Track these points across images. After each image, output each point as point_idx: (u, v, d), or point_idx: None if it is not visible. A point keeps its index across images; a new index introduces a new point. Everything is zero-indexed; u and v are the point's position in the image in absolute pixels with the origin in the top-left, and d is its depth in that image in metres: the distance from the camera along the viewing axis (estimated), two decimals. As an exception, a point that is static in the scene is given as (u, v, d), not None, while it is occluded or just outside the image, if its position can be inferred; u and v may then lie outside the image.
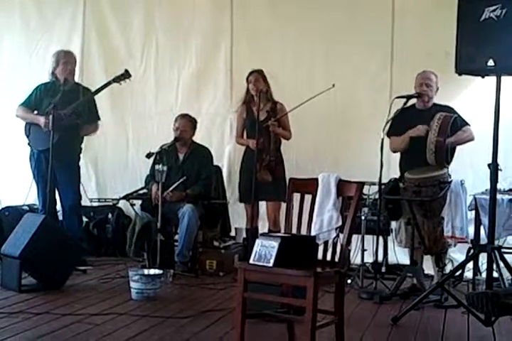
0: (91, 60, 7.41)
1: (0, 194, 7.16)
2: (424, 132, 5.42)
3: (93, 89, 6.24)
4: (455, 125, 5.45)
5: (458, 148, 5.61)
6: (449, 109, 5.59)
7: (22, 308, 4.67)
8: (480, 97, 6.09)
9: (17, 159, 7.14)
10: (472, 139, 5.64)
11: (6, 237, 5.61)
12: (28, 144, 6.29)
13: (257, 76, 6.27)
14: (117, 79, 6.13)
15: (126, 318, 4.54)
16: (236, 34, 7.19)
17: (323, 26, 6.87)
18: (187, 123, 6.42)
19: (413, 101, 5.69)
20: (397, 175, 5.60)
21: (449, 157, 5.45)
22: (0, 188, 7.20)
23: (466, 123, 5.61)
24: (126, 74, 6.14)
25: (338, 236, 4.02)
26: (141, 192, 6.48)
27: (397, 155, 5.82)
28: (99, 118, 6.36)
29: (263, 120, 6.16)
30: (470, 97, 6.30)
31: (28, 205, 7.14)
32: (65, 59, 6.17)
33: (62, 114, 5.94)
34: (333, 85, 5.80)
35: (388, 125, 5.57)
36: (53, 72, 6.21)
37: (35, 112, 6.17)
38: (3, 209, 7.13)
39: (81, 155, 6.42)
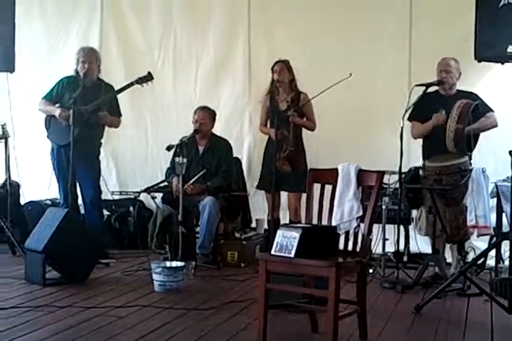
0: (109, 53, 7.40)
1: (23, 189, 7.18)
2: (443, 121, 5.39)
3: (115, 85, 6.27)
4: (477, 111, 5.41)
5: (480, 135, 5.58)
6: (472, 96, 5.56)
7: (46, 302, 4.70)
8: (501, 83, 6.05)
9: (38, 153, 7.18)
10: (496, 125, 5.61)
11: (30, 232, 5.66)
12: (48, 137, 6.33)
13: (282, 66, 6.26)
14: (140, 81, 6.18)
15: (149, 310, 4.57)
16: (253, 25, 7.18)
17: (342, 15, 6.86)
18: (206, 115, 6.42)
19: (435, 87, 5.65)
20: (417, 163, 5.58)
21: (471, 144, 5.42)
22: (22, 183, 7.23)
23: (490, 110, 5.58)
24: (148, 77, 6.20)
25: (359, 226, 4.02)
26: (161, 184, 6.50)
27: (418, 144, 5.80)
28: (120, 115, 6.39)
29: (284, 110, 6.16)
30: (491, 83, 6.25)
31: (50, 200, 7.19)
32: (83, 58, 6.19)
33: (83, 110, 5.98)
34: (350, 74, 5.77)
35: (410, 109, 5.54)
36: (76, 69, 6.25)
37: (57, 105, 6.20)
38: (26, 203, 7.18)
39: (101, 149, 6.45)
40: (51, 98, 6.28)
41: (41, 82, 7.09)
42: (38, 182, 7.44)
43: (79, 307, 4.58)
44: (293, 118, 6.10)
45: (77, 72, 6.24)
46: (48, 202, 7.14)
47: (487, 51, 4.45)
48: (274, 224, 6.06)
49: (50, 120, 6.27)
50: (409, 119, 5.70)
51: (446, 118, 5.36)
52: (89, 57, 6.22)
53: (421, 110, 5.60)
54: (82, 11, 7.55)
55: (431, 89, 5.62)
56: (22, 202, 7.15)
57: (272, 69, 6.28)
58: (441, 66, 5.62)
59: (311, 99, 6.15)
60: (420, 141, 5.79)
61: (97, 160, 6.37)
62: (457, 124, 5.28)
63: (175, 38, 7.43)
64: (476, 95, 5.60)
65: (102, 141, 6.43)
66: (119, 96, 6.37)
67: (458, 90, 5.66)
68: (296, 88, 6.30)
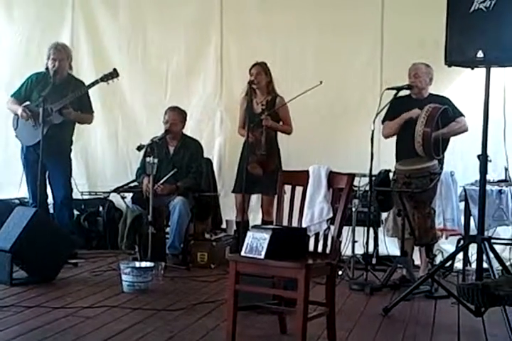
0: (80, 52, 7.34)
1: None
2: (417, 115, 5.43)
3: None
4: (447, 116, 5.47)
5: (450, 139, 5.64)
6: (443, 100, 5.61)
7: (13, 302, 4.66)
8: (470, 88, 6.11)
9: (7, 151, 7.12)
10: (466, 130, 5.66)
11: (-3, 231, 5.61)
12: (16, 137, 6.27)
13: (259, 69, 6.22)
14: (105, 78, 6.08)
15: (118, 311, 4.55)
16: (226, 27, 7.16)
17: (313, 18, 6.86)
18: (177, 115, 6.40)
19: (407, 91, 5.70)
20: (387, 166, 5.61)
21: (440, 148, 5.47)
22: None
23: (461, 114, 5.63)
24: (114, 74, 6.10)
25: (329, 227, 4.04)
26: (132, 184, 6.48)
27: (388, 147, 5.84)
28: (92, 111, 6.32)
29: (259, 113, 6.16)
30: (461, 88, 6.33)
31: (18, 198, 7.12)
32: (54, 55, 6.10)
33: (49, 109, 5.92)
34: (321, 82, 5.81)
35: (383, 113, 5.61)
36: (46, 65, 6.18)
37: (25, 104, 6.14)
38: (-7, 202, 7.12)
39: (72, 148, 6.38)
40: (19, 96, 6.21)
41: (8, 79, 7.02)
42: (6, 180, 7.37)
43: (46, 308, 4.55)
44: (266, 121, 6.09)
45: (47, 68, 6.17)
46: (16, 201, 7.07)
47: (457, 56, 4.48)
48: (243, 225, 6.07)
49: (17, 119, 6.20)
50: (383, 122, 5.78)
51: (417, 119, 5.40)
52: (61, 54, 6.13)
53: (393, 113, 5.66)
54: (53, 8, 7.48)
55: (403, 93, 5.67)
56: (-10, 201, 7.07)
57: (250, 71, 6.24)
58: (411, 71, 5.67)
59: (285, 103, 6.15)
60: (391, 144, 5.82)
61: (68, 158, 6.30)
62: (425, 128, 5.33)
63: (145, 37, 7.37)
64: (448, 99, 5.65)
65: (73, 138, 6.37)
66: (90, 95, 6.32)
67: (430, 94, 5.72)
68: (274, 91, 6.29)
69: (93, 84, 6.12)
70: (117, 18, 7.41)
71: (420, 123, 5.35)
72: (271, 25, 6.99)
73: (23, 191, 6.89)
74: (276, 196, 5.03)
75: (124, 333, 4.07)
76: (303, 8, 6.89)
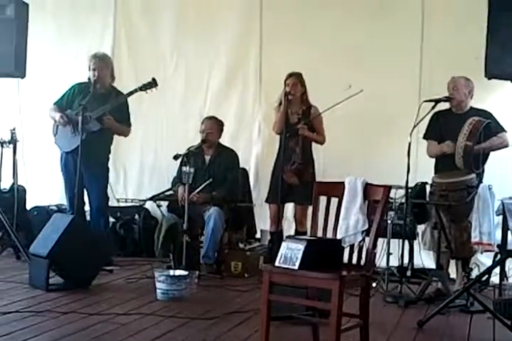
0: (121, 62, 7.44)
1: (29, 194, 7.19)
2: (451, 150, 5.41)
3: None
4: (489, 130, 5.43)
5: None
6: (485, 114, 5.57)
7: (49, 307, 4.71)
8: (511, 101, 6.06)
9: (46, 158, 7.22)
10: (507, 146, 5.62)
11: (35, 237, 5.67)
12: (55, 143, 6.35)
13: (295, 79, 6.21)
14: (144, 88, 6.14)
15: (151, 318, 4.57)
16: (265, 37, 7.22)
17: (353, 30, 6.89)
18: (213, 125, 6.44)
19: (448, 105, 5.68)
20: (424, 179, 5.58)
21: (480, 162, 5.43)
22: (29, 188, 7.24)
23: (503, 129, 5.59)
24: (153, 83, 6.16)
25: (364, 239, 4.02)
26: (167, 193, 6.51)
27: (426, 159, 5.83)
28: (130, 124, 6.35)
29: (294, 123, 6.16)
30: (501, 101, 6.28)
31: (56, 205, 7.21)
32: (94, 65, 6.18)
33: (88, 117, 5.99)
34: (361, 90, 5.81)
35: (425, 128, 5.65)
36: (89, 75, 6.26)
37: (67, 112, 6.22)
38: (32, 208, 7.20)
39: (110, 156, 6.45)
40: (61, 104, 6.30)
41: (52, 88, 7.12)
42: (45, 187, 7.47)
43: (81, 314, 4.59)
44: (302, 131, 6.10)
45: (89, 78, 6.26)
46: (54, 207, 7.16)
47: (497, 69, 4.46)
48: (277, 235, 6.07)
49: (57, 126, 6.28)
50: (424, 138, 5.80)
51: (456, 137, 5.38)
52: (100, 64, 6.22)
53: (435, 129, 5.67)
54: (95, 18, 7.61)
55: (444, 108, 5.64)
56: (28, 207, 7.15)
57: (285, 82, 6.23)
58: (450, 84, 5.65)
59: (321, 112, 6.16)
60: (428, 157, 5.81)
61: (105, 167, 6.35)
62: (467, 141, 5.30)
63: (186, 49, 7.48)
64: (490, 113, 5.61)
65: (112, 147, 6.44)
66: (129, 104, 6.38)
67: (471, 107, 5.68)
68: (307, 101, 6.29)
69: (132, 92, 6.17)
70: (160, 28, 7.49)
71: (463, 135, 5.32)
72: (309, 37, 7.01)
73: (61, 198, 6.97)
74: (310, 206, 5.04)
75: (158, 340, 4.09)
76: (341, 20, 6.92)
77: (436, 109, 5.57)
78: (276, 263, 3.76)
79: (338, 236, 4.05)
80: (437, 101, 5.55)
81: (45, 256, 5.27)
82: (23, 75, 6.51)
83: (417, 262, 6.08)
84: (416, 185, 5.51)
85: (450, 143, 5.46)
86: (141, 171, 7.58)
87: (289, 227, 6.61)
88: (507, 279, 5.57)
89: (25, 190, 7.09)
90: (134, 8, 7.59)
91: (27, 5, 6.39)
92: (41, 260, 5.31)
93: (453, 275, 5.73)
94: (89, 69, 6.22)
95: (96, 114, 6.03)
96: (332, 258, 3.84)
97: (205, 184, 6.18)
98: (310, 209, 5.46)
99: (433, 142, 5.75)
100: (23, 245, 6.31)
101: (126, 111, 6.31)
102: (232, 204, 6.35)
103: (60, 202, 7.06)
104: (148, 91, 6.17)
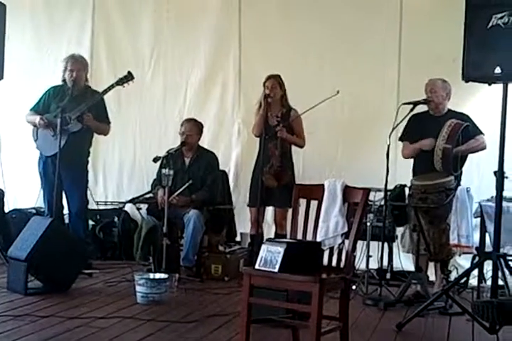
0: (100, 64, 7.43)
1: (8, 197, 7.14)
2: (430, 147, 5.44)
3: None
4: (467, 133, 5.46)
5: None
6: (463, 116, 5.61)
7: (28, 311, 4.69)
8: (488, 104, 6.09)
9: (24, 161, 7.16)
10: (484, 148, 5.66)
11: (13, 240, 5.63)
12: (37, 148, 6.31)
13: (274, 82, 6.20)
14: (120, 82, 6.11)
15: (131, 322, 4.56)
16: (244, 37, 7.21)
17: (332, 29, 6.91)
18: (193, 127, 6.43)
19: (425, 107, 5.71)
20: (403, 181, 5.60)
21: (458, 165, 5.46)
22: (8, 191, 7.19)
23: (480, 132, 5.63)
24: (129, 76, 6.12)
25: (343, 242, 4.03)
26: (147, 196, 6.50)
27: (405, 162, 5.85)
28: (109, 122, 6.33)
29: (274, 125, 6.16)
30: (478, 104, 6.31)
31: (35, 208, 7.17)
32: (71, 66, 6.15)
33: (67, 118, 5.96)
34: (338, 92, 5.83)
35: (402, 130, 5.68)
36: (63, 77, 6.23)
37: (45, 116, 6.17)
38: (10, 211, 7.15)
39: (89, 159, 6.42)
40: (38, 109, 6.23)
41: (30, 90, 7.07)
42: (23, 190, 7.43)
43: (60, 317, 4.57)
44: (281, 133, 6.10)
45: (64, 80, 6.22)
46: (33, 210, 7.11)
47: (475, 72, 4.48)
48: (258, 238, 6.07)
49: (37, 131, 6.21)
50: (400, 140, 5.83)
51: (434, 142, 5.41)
52: (78, 65, 6.18)
53: (412, 131, 5.70)
54: (72, 21, 7.57)
55: (421, 110, 5.67)
56: (6, 209, 7.10)
57: (264, 84, 6.23)
58: (428, 86, 5.67)
59: (300, 114, 6.16)
60: (407, 159, 5.83)
61: (84, 169, 6.32)
62: (446, 144, 5.33)
63: (165, 50, 7.44)
64: (468, 116, 5.65)
65: (91, 149, 6.41)
66: (107, 105, 6.34)
67: (449, 110, 5.72)
68: (287, 104, 6.29)
69: (109, 88, 6.13)
70: (138, 30, 7.48)
71: (442, 138, 5.35)
72: (289, 38, 7.03)
73: (39, 201, 6.93)
74: (289, 209, 5.04)
75: (137, 344, 4.09)
76: (321, 21, 6.92)
77: (414, 112, 5.60)
78: (257, 266, 3.76)
79: (318, 239, 4.07)
80: (415, 104, 5.57)
81: (23, 259, 5.23)
82: (0, 76, 6.45)
83: (397, 264, 6.11)
84: (395, 187, 5.52)
85: (433, 140, 5.47)
86: (120, 173, 7.54)
87: (269, 230, 6.62)
88: (485, 281, 5.59)
89: (3, 193, 7.03)
90: (112, 7, 7.54)
91: (4, 6, 6.33)
92: (20, 263, 5.27)
93: (432, 277, 5.76)
94: (66, 70, 6.18)
95: (75, 114, 5.99)
96: (312, 260, 3.85)
97: (184, 186, 6.17)
98: (290, 212, 5.50)
99: (408, 144, 5.78)
100: (0, 248, 6.27)
101: (104, 108, 6.28)
102: (211, 207, 6.35)
103: (39, 205, 7.01)
104: (125, 85, 6.13)
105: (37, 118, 6.10)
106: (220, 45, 7.32)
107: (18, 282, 5.25)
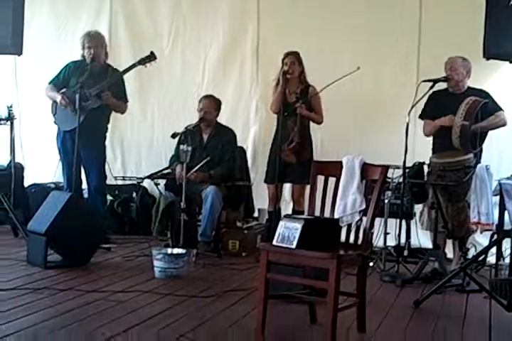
0: (118, 40, 7.41)
1: (27, 171, 7.18)
2: (450, 124, 5.41)
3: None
4: (486, 110, 5.42)
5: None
6: (482, 93, 5.57)
7: (47, 284, 4.74)
8: (509, 82, 6.04)
9: (44, 136, 7.19)
10: (504, 124, 5.63)
11: (32, 214, 5.69)
12: (54, 122, 6.34)
13: (293, 58, 6.17)
14: (142, 62, 6.12)
15: (149, 296, 4.59)
16: (263, 14, 7.16)
17: (352, 6, 6.84)
18: (211, 103, 6.42)
19: (445, 85, 5.67)
20: (421, 159, 5.58)
21: (477, 142, 5.43)
22: (27, 165, 7.23)
23: (500, 109, 5.59)
24: (151, 56, 6.13)
25: (361, 219, 4.03)
26: (165, 171, 6.51)
27: (423, 139, 5.83)
28: (127, 101, 6.36)
29: (292, 102, 6.14)
30: (500, 82, 6.26)
31: (54, 183, 7.21)
32: (89, 43, 6.17)
33: (88, 94, 5.98)
34: (358, 68, 5.79)
35: (422, 108, 5.66)
36: (82, 54, 6.24)
37: (62, 90, 6.20)
38: (29, 186, 7.21)
39: (107, 135, 6.45)
40: (57, 82, 6.27)
41: (49, 66, 7.07)
42: (43, 164, 7.47)
43: (79, 291, 4.61)
44: (301, 110, 6.08)
45: (83, 56, 6.23)
46: (52, 185, 7.17)
47: (496, 49, 4.43)
48: (275, 214, 6.08)
49: (56, 106, 6.26)
50: (420, 117, 5.81)
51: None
52: (95, 41, 6.20)
53: (432, 108, 5.67)
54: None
55: (441, 87, 5.63)
56: (26, 184, 7.15)
57: (283, 61, 6.20)
58: (447, 64, 5.64)
59: (319, 91, 6.13)
60: (426, 137, 5.81)
61: (102, 145, 6.38)
62: (463, 121, 5.29)
63: (184, 27, 7.41)
64: (487, 93, 5.61)
65: (109, 126, 6.44)
66: (126, 82, 6.36)
67: (469, 87, 5.67)
68: (305, 81, 6.25)
69: (131, 67, 6.16)
70: (157, 6, 7.44)
71: (460, 115, 5.31)
72: (307, 16, 6.95)
73: (57, 175, 6.97)
74: (307, 186, 5.03)
75: (155, 318, 4.11)
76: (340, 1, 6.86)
77: (434, 89, 5.56)
78: (274, 242, 3.78)
79: (336, 216, 4.07)
80: (435, 81, 5.54)
81: (43, 233, 5.28)
82: (19, 52, 6.47)
83: (414, 242, 6.09)
84: (414, 165, 5.50)
85: (452, 116, 5.43)
86: (139, 149, 7.56)
87: (286, 207, 6.63)
88: (503, 259, 5.58)
89: (22, 168, 7.06)
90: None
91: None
92: (39, 237, 5.32)
93: (450, 255, 5.75)
94: (84, 48, 6.19)
95: (94, 91, 6.01)
96: (329, 237, 3.86)
97: (202, 162, 6.17)
98: (307, 188, 5.50)
99: (429, 121, 5.76)
100: (20, 222, 6.33)
101: (123, 87, 6.31)
102: (229, 183, 6.36)
103: (58, 179, 7.06)
104: (147, 65, 6.15)
105: (58, 97, 6.11)
106: (239, 21, 7.27)
107: (38, 255, 5.30)
